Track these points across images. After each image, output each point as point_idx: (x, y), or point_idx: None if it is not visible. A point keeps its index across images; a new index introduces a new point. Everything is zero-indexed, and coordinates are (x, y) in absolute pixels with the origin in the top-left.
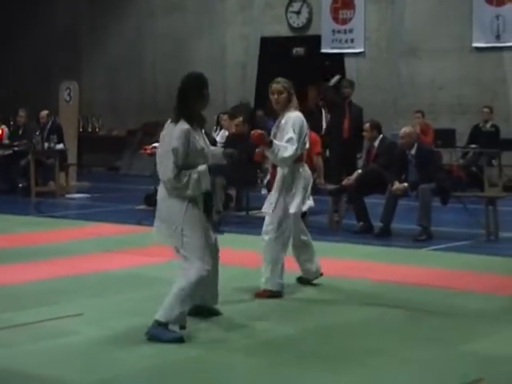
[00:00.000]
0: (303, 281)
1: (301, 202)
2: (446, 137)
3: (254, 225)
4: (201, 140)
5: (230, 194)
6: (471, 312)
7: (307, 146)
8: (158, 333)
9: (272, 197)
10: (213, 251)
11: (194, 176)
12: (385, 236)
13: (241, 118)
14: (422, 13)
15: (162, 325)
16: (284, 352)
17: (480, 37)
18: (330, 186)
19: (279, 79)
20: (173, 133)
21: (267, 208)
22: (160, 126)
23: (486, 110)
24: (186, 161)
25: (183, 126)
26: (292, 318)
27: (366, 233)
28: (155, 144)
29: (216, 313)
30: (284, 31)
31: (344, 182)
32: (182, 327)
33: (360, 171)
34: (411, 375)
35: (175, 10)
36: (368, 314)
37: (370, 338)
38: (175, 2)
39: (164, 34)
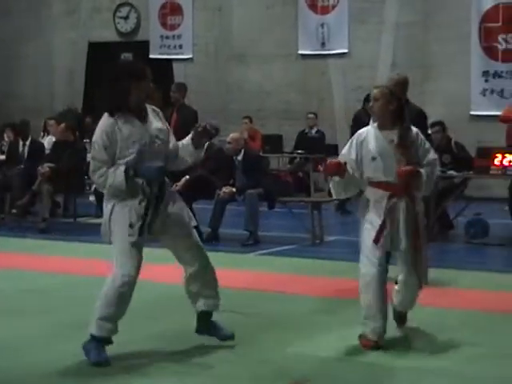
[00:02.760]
0: None
1: None
2: (273, 142)
3: (81, 231)
4: (137, 131)
5: (58, 200)
6: (297, 315)
7: None
8: (88, 349)
9: None
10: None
11: (109, 179)
12: (213, 241)
13: (63, 125)
14: (249, 19)
15: (93, 339)
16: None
17: (306, 44)
18: None
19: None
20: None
21: None
22: None
23: (311, 115)
24: (112, 154)
25: (106, 119)
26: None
27: None
28: None
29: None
30: (112, 36)
31: (172, 188)
32: (108, 341)
33: (188, 177)
34: (242, 376)
35: (0, 13)
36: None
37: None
38: (0, 5)
39: None
